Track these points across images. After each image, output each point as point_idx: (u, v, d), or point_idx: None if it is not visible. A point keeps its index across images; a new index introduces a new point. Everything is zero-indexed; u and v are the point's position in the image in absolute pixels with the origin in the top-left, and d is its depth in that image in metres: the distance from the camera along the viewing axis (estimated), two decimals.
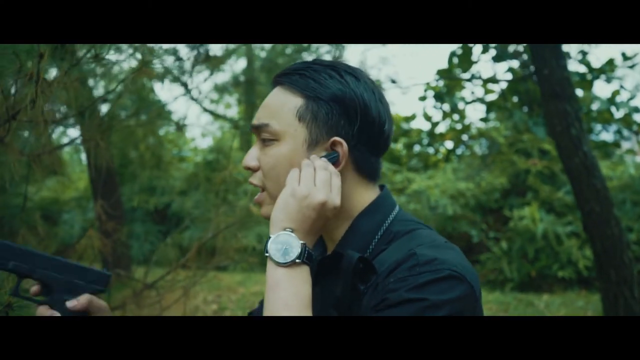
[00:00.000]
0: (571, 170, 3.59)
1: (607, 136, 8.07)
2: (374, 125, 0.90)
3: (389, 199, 0.93)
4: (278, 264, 0.79)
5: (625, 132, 8.00)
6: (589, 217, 3.61)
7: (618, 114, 7.75)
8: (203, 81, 4.74)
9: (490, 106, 8.30)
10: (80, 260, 2.14)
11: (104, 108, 2.90)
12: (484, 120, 8.47)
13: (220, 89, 6.89)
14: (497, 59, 7.40)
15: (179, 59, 2.40)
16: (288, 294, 0.77)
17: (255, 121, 0.91)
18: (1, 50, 1.45)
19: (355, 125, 0.88)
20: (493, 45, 7.12)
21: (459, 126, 8.76)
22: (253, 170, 0.92)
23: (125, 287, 2.17)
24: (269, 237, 0.81)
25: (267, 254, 0.80)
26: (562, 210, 6.01)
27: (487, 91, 8.37)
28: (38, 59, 1.26)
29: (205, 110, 7.09)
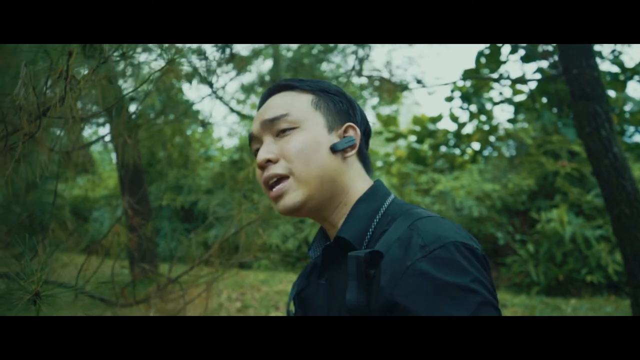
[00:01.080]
0: (600, 172, 3.51)
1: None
2: (366, 120, 1.02)
3: (383, 188, 0.97)
4: None
5: None
6: (619, 220, 3.52)
7: None
8: (229, 81, 4.79)
9: (518, 107, 8.18)
10: (106, 256, 2.20)
11: (132, 107, 2.96)
12: (512, 121, 8.35)
13: (247, 89, 6.97)
14: (526, 59, 7.29)
15: (205, 57, 2.44)
16: None
17: (268, 115, 0.92)
18: (34, 48, 1.51)
19: (358, 115, 0.99)
20: (522, 45, 7.02)
21: (486, 127, 8.65)
22: (273, 162, 0.91)
23: (150, 282, 2.21)
24: None
25: None
26: (592, 214, 5.88)
27: (516, 92, 8.25)
28: (67, 57, 1.31)
29: (232, 110, 7.19)
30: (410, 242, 0.79)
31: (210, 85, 2.71)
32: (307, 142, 0.90)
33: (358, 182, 0.95)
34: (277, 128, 0.92)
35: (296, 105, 0.93)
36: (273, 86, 0.99)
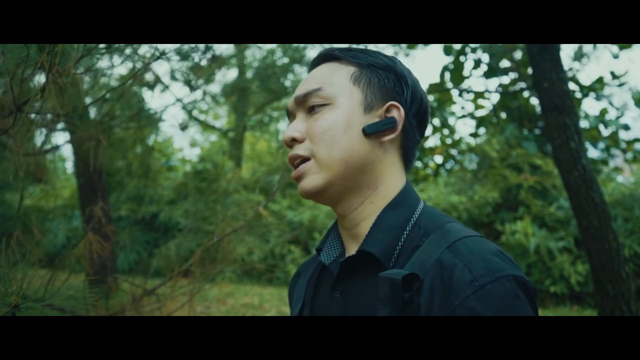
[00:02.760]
0: (570, 183, 3.58)
1: (594, 154, 8.15)
2: (421, 100, 0.88)
3: (414, 193, 0.87)
4: None
5: (612, 150, 8.09)
6: (587, 230, 3.59)
7: (606, 132, 7.85)
8: (192, 91, 4.65)
9: (480, 121, 8.36)
10: (76, 265, 2.05)
11: (93, 114, 2.82)
12: (474, 135, 8.52)
13: (214, 98, 6.84)
14: (488, 74, 7.47)
15: (184, 57, 2.34)
16: None
17: (301, 90, 0.84)
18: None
19: (408, 94, 0.86)
20: (485, 61, 7.19)
21: (448, 141, 8.79)
22: (299, 141, 0.84)
23: (124, 293, 2.07)
24: None
25: None
26: (554, 226, 6.02)
27: (477, 106, 8.44)
28: (51, 47, 1.20)
29: (196, 120, 7.04)
30: (455, 273, 0.70)
31: (190, 86, 2.60)
32: (335, 121, 0.81)
33: (391, 177, 0.84)
34: (309, 104, 0.84)
35: (333, 79, 0.84)
36: (318, 55, 0.90)
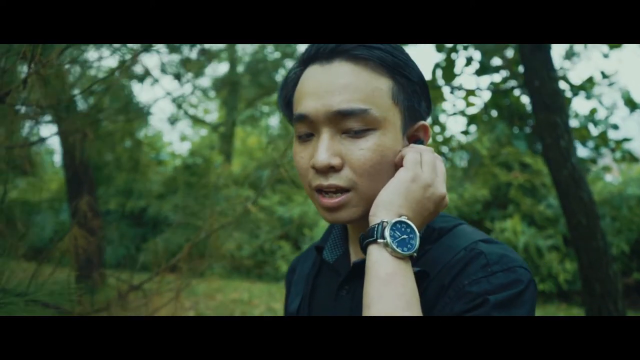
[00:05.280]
0: (560, 182, 3.59)
1: (584, 152, 8.19)
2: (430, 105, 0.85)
3: None
4: (397, 254, 0.67)
5: (601, 150, 8.13)
6: (576, 229, 3.61)
7: (595, 131, 7.89)
8: (186, 82, 4.61)
9: (471, 119, 8.36)
10: (61, 260, 2.02)
11: (81, 106, 2.77)
12: (465, 133, 8.52)
13: (204, 92, 6.79)
14: (480, 72, 7.47)
15: (174, 50, 2.30)
16: (408, 291, 0.65)
17: (342, 105, 0.72)
18: None
19: (431, 110, 0.83)
20: (477, 59, 7.18)
21: (439, 138, 8.79)
22: (336, 169, 0.74)
23: (109, 289, 2.04)
24: (382, 222, 0.68)
25: (382, 240, 0.67)
26: (543, 224, 6.05)
27: (468, 104, 8.45)
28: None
29: (186, 113, 6.97)
30: (471, 260, 0.73)
31: (179, 79, 2.56)
32: (384, 153, 0.74)
33: None
34: (349, 126, 0.73)
35: (377, 97, 0.73)
36: (338, 46, 0.75)
